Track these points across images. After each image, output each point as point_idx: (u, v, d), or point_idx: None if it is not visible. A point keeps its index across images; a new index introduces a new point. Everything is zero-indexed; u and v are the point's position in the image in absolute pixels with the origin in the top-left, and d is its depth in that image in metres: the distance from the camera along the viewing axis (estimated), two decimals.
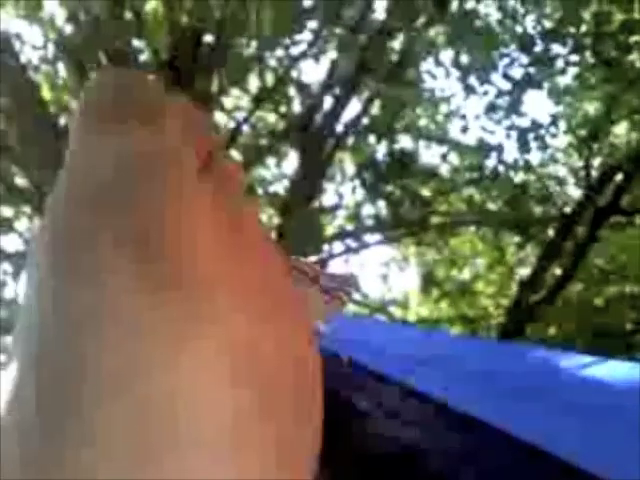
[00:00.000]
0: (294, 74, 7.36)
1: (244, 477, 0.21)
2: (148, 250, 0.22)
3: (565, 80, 8.13)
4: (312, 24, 6.85)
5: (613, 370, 2.68)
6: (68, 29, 6.15)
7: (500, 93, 7.85)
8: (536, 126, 7.97)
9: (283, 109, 7.56)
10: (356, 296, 8.45)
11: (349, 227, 8.45)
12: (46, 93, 6.19)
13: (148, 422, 0.20)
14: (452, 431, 1.97)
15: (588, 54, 7.77)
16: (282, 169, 8.36)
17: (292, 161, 7.82)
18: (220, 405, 0.21)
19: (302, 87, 7.37)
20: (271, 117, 7.85)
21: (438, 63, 7.78)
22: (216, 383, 0.21)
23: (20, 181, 5.97)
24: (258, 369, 0.23)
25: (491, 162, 8.13)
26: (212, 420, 0.21)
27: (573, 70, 7.98)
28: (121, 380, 0.20)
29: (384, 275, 9.55)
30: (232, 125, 7.27)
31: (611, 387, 2.48)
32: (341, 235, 8.16)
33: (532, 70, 7.79)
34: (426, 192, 8.38)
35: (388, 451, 2.06)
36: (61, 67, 6.35)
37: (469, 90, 7.85)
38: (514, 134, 7.91)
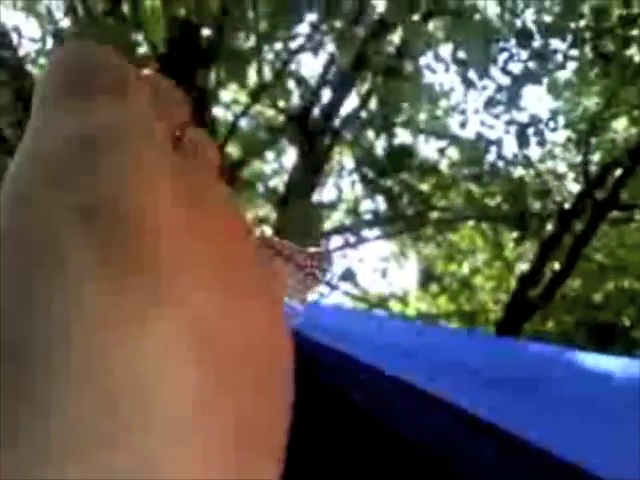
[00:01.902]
0: (292, 67, 7.37)
1: (206, 454, 0.21)
2: (104, 226, 0.21)
3: (564, 75, 8.15)
4: (311, 17, 6.86)
5: (609, 365, 2.69)
6: (66, 22, 6.16)
7: (499, 88, 7.86)
8: (535, 121, 7.98)
9: (281, 103, 7.57)
10: (353, 290, 8.46)
11: (348, 222, 8.47)
12: None
13: (114, 408, 0.20)
14: (443, 423, 1.97)
15: (587, 49, 7.78)
16: (281, 163, 8.38)
17: (291, 155, 7.84)
18: (183, 386, 0.21)
19: (300, 81, 7.38)
20: (269, 111, 7.85)
21: (437, 57, 7.79)
22: (177, 363, 0.21)
23: None
24: (220, 346, 0.22)
25: (490, 157, 8.15)
26: (176, 401, 0.21)
27: (572, 65, 7.99)
28: (85, 369, 0.20)
29: (383, 270, 9.57)
30: (230, 119, 7.28)
31: (606, 382, 2.49)
32: (340, 230, 8.18)
33: (531, 65, 7.79)
34: (425, 187, 8.39)
35: (375, 439, 2.07)
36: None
37: (468, 84, 7.86)
38: (513, 129, 7.92)
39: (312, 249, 0.41)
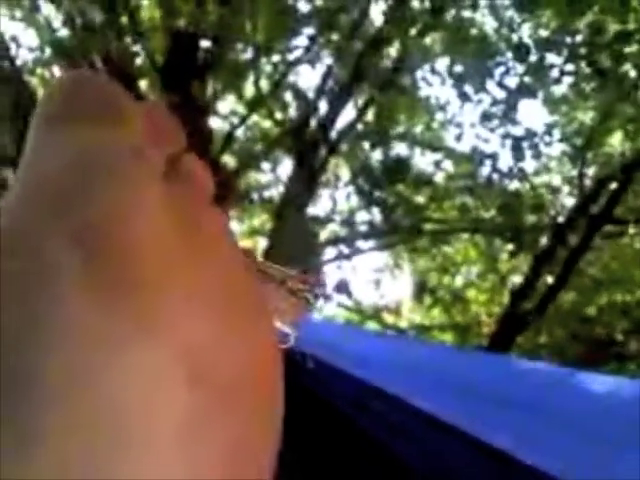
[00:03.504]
0: (290, 79, 7.38)
1: (198, 476, 0.22)
2: (98, 251, 0.22)
3: (560, 89, 8.15)
4: (308, 30, 6.87)
5: (601, 383, 2.70)
6: (64, 32, 6.15)
7: (495, 101, 7.86)
8: (530, 135, 7.99)
9: (278, 115, 7.57)
10: (347, 301, 8.44)
11: (342, 233, 8.44)
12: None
13: (96, 427, 0.20)
14: (429, 436, 1.98)
15: (583, 64, 7.79)
16: (277, 174, 8.37)
17: (286, 166, 7.83)
18: (175, 407, 0.21)
19: (298, 93, 7.38)
20: (266, 122, 7.85)
21: (434, 71, 7.80)
22: (171, 386, 0.22)
23: None
24: (215, 373, 0.23)
25: (485, 170, 8.15)
26: (166, 421, 0.21)
27: (568, 79, 8.00)
28: (68, 383, 0.20)
29: (377, 281, 9.54)
30: (227, 130, 7.28)
31: (597, 401, 2.49)
32: (334, 241, 8.16)
33: (527, 79, 7.80)
34: (420, 199, 8.38)
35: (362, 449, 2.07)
36: (57, 70, 6.35)
37: (464, 98, 7.87)
38: (508, 142, 7.93)
39: (304, 273, 0.41)
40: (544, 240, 8.05)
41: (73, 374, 0.20)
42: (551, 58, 7.78)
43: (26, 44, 6.31)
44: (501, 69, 7.76)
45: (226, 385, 0.23)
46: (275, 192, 8.21)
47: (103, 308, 0.21)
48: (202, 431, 0.22)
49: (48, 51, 6.23)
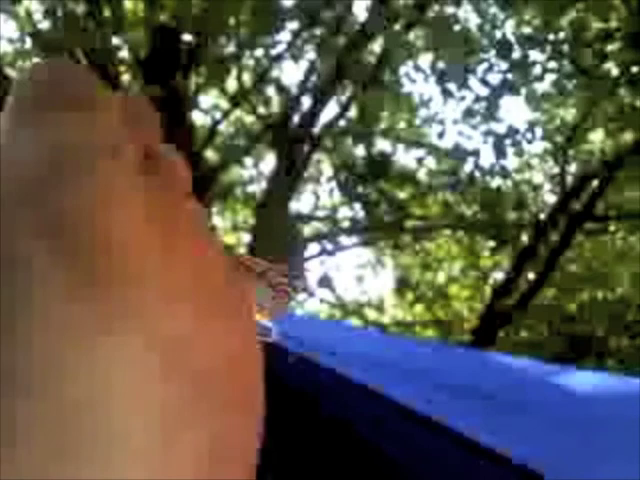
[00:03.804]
0: (273, 74, 7.38)
1: (171, 471, 0.21)
2: (70, 242, 0.21)
3: (543, 86, 8.21)
4: (292, 25, 6.87)
5: (582, 379, 2.72)
6: (45, 24, 6.11)
7: (478, 98, 7.90)
8: (513, 132, 8.03)
9: (261, 110, 7.56)
10: (329, 297, 8.46)
11: (325, 229, 8.46)
12: None
13: (76, 418, 0.20)
14: (411, 431, 1.98)
15: (566, 61, 7.84)
16: (260, 169, 8.37)
17: (269, 162, 7.83)
18: (149, 400, 0.21)
19: (281, 88, 7.38)
20: (249, 117, 7.84)
21: (417, 67, 7.83)
22: (144, 378, 0.21)
23: None
24: (190, 364, 0.22)
25: (467, 167, 8.18)
26: (140, 415, 0.21)
27: (551, 77, 8.05)
28: (39, 377, 0.20)
29: (359, 277, 9.57)
30: (210, 124, 7.27)
31: (580, 397, 2.51)
32: (317, 237, 8.17)
33: (510, 76, 7.84)
34: (402, 195, 8.42)
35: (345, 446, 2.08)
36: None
37: (447, 95, 7.90)
38: (491, 139, 7.96)
39: (283, 266, 0.41)
40: (525, 237, 8.10)
41: (49, 367, 0.20)
42: (534, 55, 7.83)
43: (6, 35, 6.28)
44: (484, 66, 7.80)
45: (206, 375, 0.23)
46: (257, 188, 8.22)
47: (77, 301, 0.21)
48: (177, 424, 0.21)
49: (29, 43, 6.20)
